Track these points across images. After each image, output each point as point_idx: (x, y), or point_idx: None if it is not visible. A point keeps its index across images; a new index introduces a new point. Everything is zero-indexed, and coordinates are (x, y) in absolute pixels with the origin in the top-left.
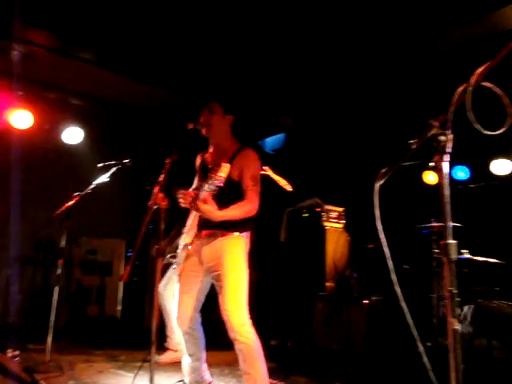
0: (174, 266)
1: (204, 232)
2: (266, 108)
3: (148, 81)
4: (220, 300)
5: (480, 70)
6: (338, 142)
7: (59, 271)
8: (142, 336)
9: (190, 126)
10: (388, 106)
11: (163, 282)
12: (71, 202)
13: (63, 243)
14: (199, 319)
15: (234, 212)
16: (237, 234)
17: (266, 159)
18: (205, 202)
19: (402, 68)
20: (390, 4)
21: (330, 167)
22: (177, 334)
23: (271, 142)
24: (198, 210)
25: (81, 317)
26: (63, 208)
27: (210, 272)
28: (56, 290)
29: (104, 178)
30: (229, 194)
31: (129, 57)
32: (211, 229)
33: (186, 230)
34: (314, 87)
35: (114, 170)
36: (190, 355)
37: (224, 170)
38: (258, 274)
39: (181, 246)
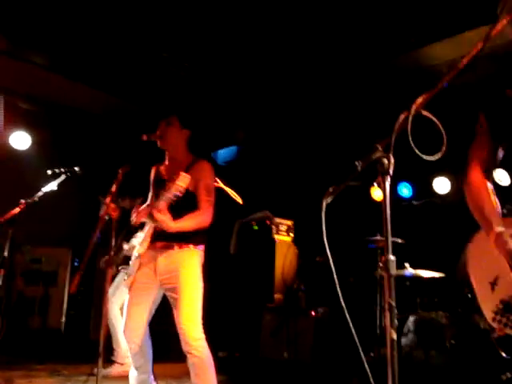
0: (124, 277)
1: (159, 243)
2: (218, 121)
3: (99, 87)
4: (175, 313)
5: (419, 100)
6: (288, 156)
7: (0, 282)
8: (87, 348)
9: (145, 138)
10: (337, 123)
11: (110, 291)
12: (17, 210)
13: (5, 252)
14: (148, 331)
15: (189, 223)
16: (192, 246)
17: (218, 171)
18: (160, 211)
19: (351, 89)
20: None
21: (281, 181)
22: (123, 347)
23: (223, 154)
24: (153, 219)
25: (22, 329)
26: (8, 215)
27: (164, 284)
28: None
29: (53, 185)
30: (184, 205)
31: (80, 62)
32: (167, 240)
33: (138, 240)
34: (267, 102)
35: (63, 177)
36: (137, 368)
37: (184, 180)
38: (207, 284)
39: (133, 257)
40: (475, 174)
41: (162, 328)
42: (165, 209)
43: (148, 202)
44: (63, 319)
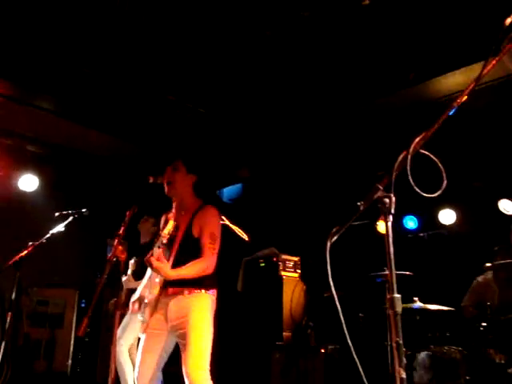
0: (139, 319)
1: (170, 289)
2: (223, 159)
3: (106, 130)
4: (183, 358)
5: (417, 139)
6: (293, 192)
7: (7, 325)
8: None
9: (151, 180)
10: (342, 159)
11: (118, 333)
12: (24, 252)
13: (13, 295)
14: (161, 378)
15: (188, 270)
16: (204, 291)
17: (224, 209)
18: (158, 259)
19: (355, 127)
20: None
21: (286, 217)
22: None
23: (228, 191)
24: (151, 267)
25: (27, 373)
26: (16, 258)
27: (174, 330)
28: (1, 345)
29: (60, 227)
30: (190, 251)
31: (87, 106)
32: (177, 286)
33: (149, 286)
34: (271, 139)
35: (70, 219)
36: None
37: (168, 228)
38: (215, 323)
39: (144, 304)
40: None
41: (172, 370)
42: (161, 257)
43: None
44: (69, 362)
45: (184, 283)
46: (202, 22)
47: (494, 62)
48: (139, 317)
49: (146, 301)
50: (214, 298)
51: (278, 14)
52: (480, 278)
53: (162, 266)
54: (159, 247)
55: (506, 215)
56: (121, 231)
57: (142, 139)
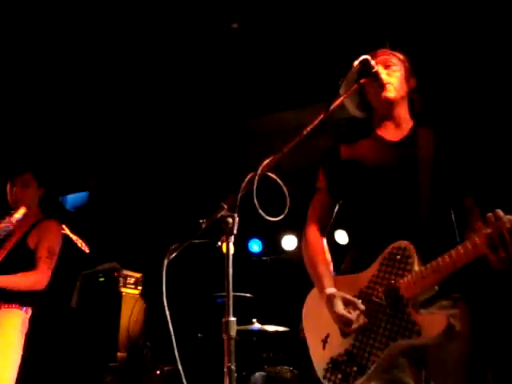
0: None
1: None
2: (69, 165)
3: None
4: None
5: (266, 161)
6: (140, 207)
7: None
8: None
9: None
10: (189, 176)
11: None
12: None
13: None
14: None
15: (18, 280)
16: (16, 308)
17: (66, 217)
18: None
19: (204, 147)
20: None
21: (131, 231)
22: None
23: (73, 199)
24: None
25: None
26: None
27: None
28: None
29: None
30: (22, 262)
31: None
32: None
33: None
34: (123, 151)
35: None
36: None
37: (21, 212)
38: (40, 345)
39: None
40: (312, 232)
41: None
42: None
43: None
44: None
45: None
46: None
47: (342, 98)
48: None
49: None
50: (28, 316)
51: (146, 24)
52: None
53: None
54: None
55: (341, 245)
56: None
57: None
